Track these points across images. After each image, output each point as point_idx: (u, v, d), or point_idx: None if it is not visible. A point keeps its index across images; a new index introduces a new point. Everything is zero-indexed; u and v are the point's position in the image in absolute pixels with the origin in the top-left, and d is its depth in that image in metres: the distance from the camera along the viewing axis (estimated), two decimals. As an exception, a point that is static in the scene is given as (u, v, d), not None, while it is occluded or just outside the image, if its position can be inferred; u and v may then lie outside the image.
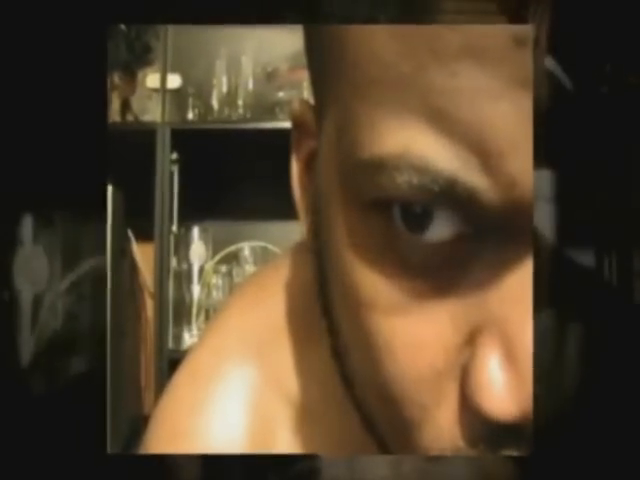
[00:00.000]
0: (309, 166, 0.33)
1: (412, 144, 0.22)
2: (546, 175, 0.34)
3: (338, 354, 0.30)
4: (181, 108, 1.81)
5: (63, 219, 0.61)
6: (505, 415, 0.23)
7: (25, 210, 0.60)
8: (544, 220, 0.35)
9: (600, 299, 0.39)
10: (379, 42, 0.22)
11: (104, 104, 0.63)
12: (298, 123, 0.33)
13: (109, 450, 1.49)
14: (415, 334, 0.25)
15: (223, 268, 1.81)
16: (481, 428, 0.24)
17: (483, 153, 0.21)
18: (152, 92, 1.81)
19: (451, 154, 0.22)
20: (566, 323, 0.36)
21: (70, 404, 0.57)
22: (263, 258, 1.81)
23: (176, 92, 1.82)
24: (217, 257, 1.81)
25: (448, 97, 0.21)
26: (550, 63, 0.34)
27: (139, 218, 1.73)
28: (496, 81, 0.21)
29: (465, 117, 0.21)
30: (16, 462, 0.55)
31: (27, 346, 0.60)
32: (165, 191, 1.64)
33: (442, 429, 0.25)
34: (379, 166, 0.23)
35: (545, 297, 0.26)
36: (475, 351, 0.24)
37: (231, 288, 1.79)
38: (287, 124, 1.50)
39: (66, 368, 0.60)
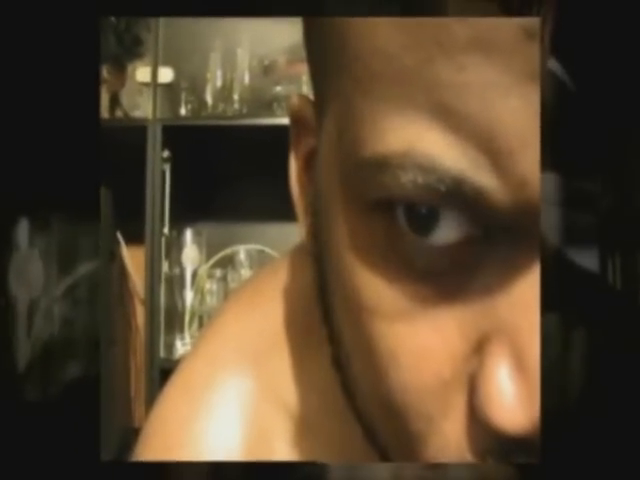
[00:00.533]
0: (308, 164, 0.33)
1: (417, 141, 0.22)
2: (549, 177, 0.34)
3: (339, 363, 0.30)
4: (173, 103, 1.81)
5: (58, 222, 0.62)
6: (515, 427, 0.23)
7: (20, 213, 0.60)
8: (547, 222, 0.35)
9: (605, 303, 0.39)
10: (382, 34, 0.22)
11: (96, 103, 0.63)
12: (297, 119, 0.33)
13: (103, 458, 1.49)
14: (420, 342, 0.25)
15: (217, 272, 1.81)
16: (489, 440, 0.24)
17: (492, 151, 0.21)
18: (142, 87, 1.82)
19: (458, 152, 0.22)
20: (570, 327, 0.37)
21: (63, 411, 0.58)
22: (260, 262, 1.82)
23: (168, 86, 1.82)
24: (211, 261, 1.81)
25: (455, 92, 0.21)
26: (553, 64, 0.34)
27: (129, 220, 1.74)
28: (505, 75, 0.21)
29: (473, 113, 0.21)
30: (6, 469, 0.55)
31: (23, 352, 0.60)
32: (156, 191, 1.64)
33: (448, 441, 0.25)
34: (382, 165, 0.23)
35: (549, 301, 0.26)
36: (484, 360, 0.24)
37: (226, 294, 1.79)
38: (285, 120, 1.51)
39: (60, 374, 0.61)
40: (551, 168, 0.33)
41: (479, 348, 0.24)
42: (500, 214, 0.22)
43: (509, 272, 0.23)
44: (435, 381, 0.25)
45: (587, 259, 0.38)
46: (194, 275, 1.79)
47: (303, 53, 0.31)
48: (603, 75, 0.38)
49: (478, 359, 0.24)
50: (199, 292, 1.79)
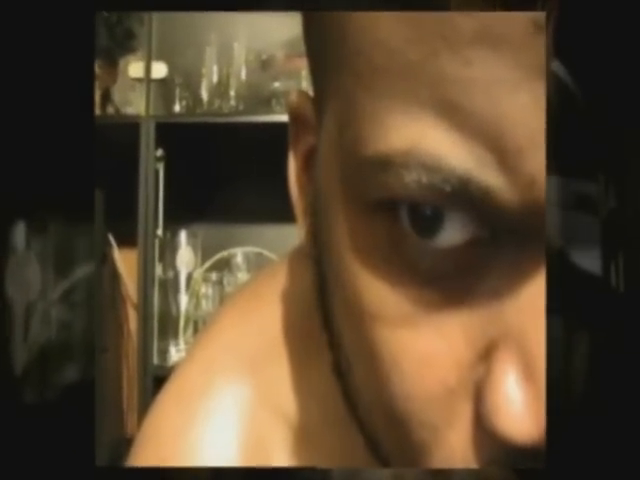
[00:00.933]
0: (308, 163, 0.33)
1: (421, 139, 0.22)
2: (551, 180, 0.35)
3: (340, 370, 0.30)
4: (167, 100, 1.82)
5: (54, 224, 0.62)
6: (523, 437, 0.23)
7: (16, 216, 0.60)
8: (550, 224, 0.36)
9: (608, 305, 0.40)
10: (385, 27, 0.22)
11: (90, 103, 0.64)
12: (296, 116, 0.33)
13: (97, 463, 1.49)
14: (424, 348, 0.25)
15: (213, 276, 1.81)
16: (496, 450, 0.24)
17: (499, 149, 0.21)
18: (135, 82, 1.82)
19: (464, 150, 0.22)
20: (573, 330, 0.37)
21: (58, 415, 0.59)
22: (257, 265, 1.82)
23: (161, 82, 1.82)
24: (207, 264, 1.82)
25: (461, 88, 0.21)
26: (556, 65, 0.35)
27: (121, 221, 1.74)
28: (514, 71, 0.21)
29: (480, 110, 0.21)
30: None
31: (19, 355, 0.61)
32: (149, 191, 1.64)
33: (454, 451, 0.25)
34: (385, 164, 0.23)
35: (552, 303, 0.26)
36: (491, 367, 0.24)
37: (222, 298, 1.79)
38: (284, 118, 1.50)
39: (55, 378, 0.61)
40: (553, 170, 0.34)
41: (486, 355, 0.24)
42: (507, 215, 0.22)
43: (516, 275, 0.23)
44: (440, 389, 0.25)
45: (590, 261, 0.38)
46: (189, 279, 1.79)
47: (302, 47, 0.31)
48: (605, 77, 0.39)
49: (485, 366, 0.24)
50: (194, 296, 1.79)
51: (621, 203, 0.39)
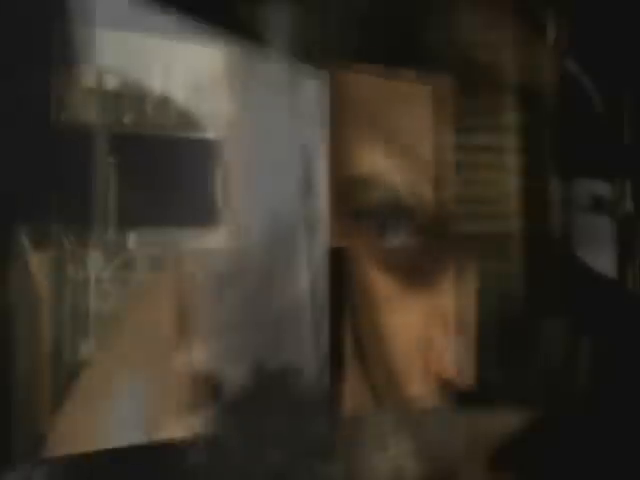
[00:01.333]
0: (235, 176, 0.41)
1: (378, 167, 0.31)
2: (568, 182, 0.37)
3: (358, 343, 0.37)
4: (118, 111, 1.82)
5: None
6: (462, 379, 0.32)
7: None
8: (565, 227, 0.38)
9: (623, 307, 0.42)
10: (365, 86, 0.32)
11: (47, 112, 0.62)
12: (229, 134, 0.41)
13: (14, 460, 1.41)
14: (397, 321, 0.33)
15: (120, 275, 1.79)
16: (444, 389, 0.33)
17: (421, 176, 0.31)
18: (89, 92, 1.82)
19: (401, 174, 0.31)
20: (589, 333, 0.39)
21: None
22: (159, 266, 1.80)
23: (113, 93, 1.83)
24: (113, 264, 1.80)
25: (399, 133, 0.31)
26: (572, 66, 0.38)
27: (75, 225, 1.73)
28: (421, 122, 0.30)
29: (407, 149, 0.31)
30: None
31: None
32: (101, 197, 1.65)
33: (420, 392, 0.34)
34: (359, 183, 0.32)
35: (567, 304, 0.33)
36: (438, 332, 0.33)
37: (128, 295, 1.76)
38: (215, 135, 1.52)
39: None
40: (570, 172, 0.37)
41: (434, 323, 0.33)
42: (427, 224, 0.32)
43: (442, 270, 0.33)
44: (410, 348, 0.33)
45: (605, 263, 0.41)
46: (98, 278, 1.77)
47: (232, 76, 0.40)
48: (623, 77, 0.40)
49: (434, 330, 0.33)
50: (103, 295, 1.77)
51: (638, 205, 0.41)
